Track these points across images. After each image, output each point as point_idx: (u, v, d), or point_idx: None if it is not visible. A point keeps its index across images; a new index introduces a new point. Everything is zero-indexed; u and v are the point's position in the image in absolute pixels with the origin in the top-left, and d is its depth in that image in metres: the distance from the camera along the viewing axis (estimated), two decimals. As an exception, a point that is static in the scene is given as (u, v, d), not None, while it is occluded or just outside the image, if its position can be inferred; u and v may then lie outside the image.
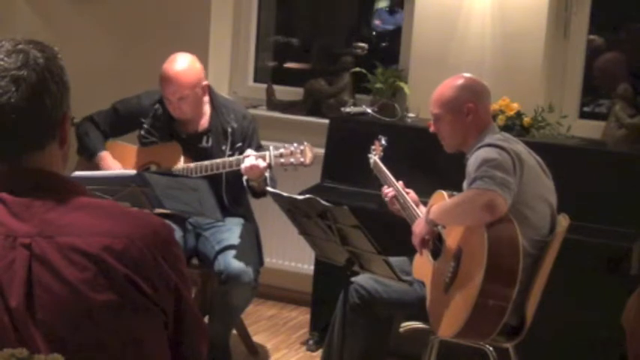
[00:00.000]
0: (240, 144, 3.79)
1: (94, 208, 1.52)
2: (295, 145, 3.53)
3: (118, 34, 4.99)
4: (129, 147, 3.95)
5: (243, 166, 3.53)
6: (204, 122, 3.83)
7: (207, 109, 3.83)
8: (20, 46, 1.51)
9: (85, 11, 5.03)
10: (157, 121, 3.84)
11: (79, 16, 5.04)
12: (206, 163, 3.65)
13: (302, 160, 3.52)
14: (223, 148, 3.77)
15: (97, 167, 3.84)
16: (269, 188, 3.39)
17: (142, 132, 3.87)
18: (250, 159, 3.51)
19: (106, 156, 3.87)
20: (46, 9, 5.13)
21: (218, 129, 3.80)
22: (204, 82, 3.79)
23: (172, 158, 3.75)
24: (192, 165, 3.67)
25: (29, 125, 1.50)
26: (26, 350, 1.35)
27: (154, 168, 3.80)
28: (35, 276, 1.45)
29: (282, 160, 3.52)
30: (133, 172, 3.57)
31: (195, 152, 3.78)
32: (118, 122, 3.93)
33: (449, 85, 3.27)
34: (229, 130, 3.78)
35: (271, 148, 3.54)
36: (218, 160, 3.65)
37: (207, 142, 3.82)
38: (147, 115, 3.86)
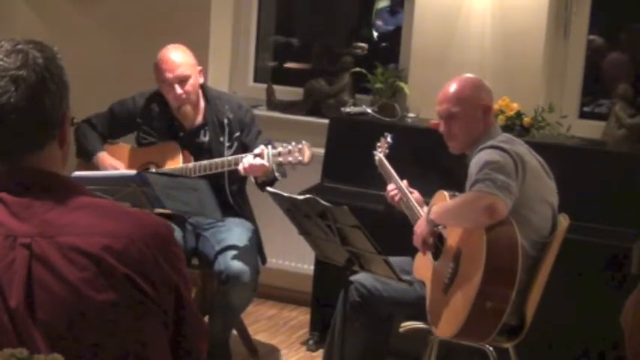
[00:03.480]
0: (238, 134, 3.79)
1: (93, 207, 1.52)
2: (293, 143, 3.47)
3: (117, 33, 4.98)
4: (126, 148, 3.95)
5: (241, 166, 3.50)
6: (200, 116, 3.84)
7: (201, 103, 3.84)
8: (20, 46, 1.51)
9: (85, 11, 5.03)
10: (154, 121, 3.85)
11: (79, 16, 5.04)
12: (204, 162, 3.64)
13: (300, 158, 3.45)
14: (221, 139, 3.78)
15: (95, 169, 3.84)
16: (269, 188, 3.38)
17: (140, 133, 3.88)
18: (248, 159, 3.49)
19: (104, 156, 3.88)
20: (46, 9, 5.12)
21: (214, 121, 3.80)
22: (199, 67, 3.81)
23: (171, 158, 3.76)
24: (190, 165, 3.67)
25: (29, 125, 1.50)
26: (26, 350, 1.35)
27: (153, 168, 3.80)
28: (35, 276, 1.45)
29: (280, 159, 3.46)
30: (132, 172, 3.57)
31: (194, 148, 3.79)
32: (115, 124, 3.95)
33: (466, 83, 3.23)
34: (225, 121, 3.79)
35: (269, 147, 3.50)
36: (217, 160, 3.63)
37: (205, 136, 3.82)
38: (143, 116, 3.87)
